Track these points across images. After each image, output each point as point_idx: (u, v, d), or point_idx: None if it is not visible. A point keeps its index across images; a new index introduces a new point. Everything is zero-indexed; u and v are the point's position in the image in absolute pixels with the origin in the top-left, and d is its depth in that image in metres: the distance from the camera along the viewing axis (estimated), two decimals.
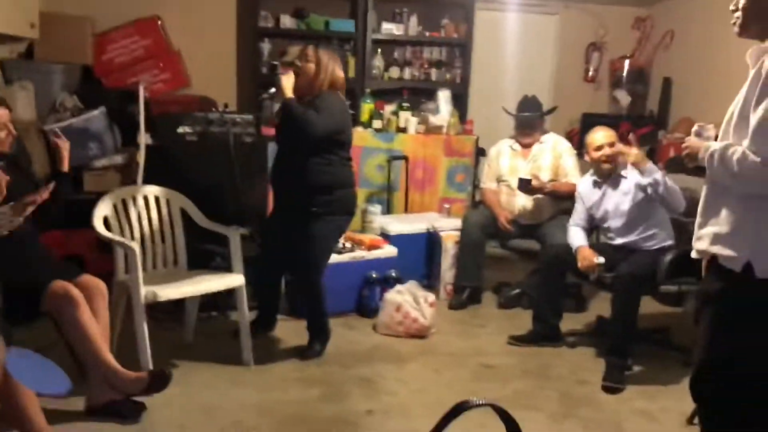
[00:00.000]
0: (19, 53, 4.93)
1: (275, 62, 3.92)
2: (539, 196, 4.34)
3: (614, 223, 3.72)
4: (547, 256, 3.94)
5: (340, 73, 3.54)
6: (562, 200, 4.35)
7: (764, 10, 1.91)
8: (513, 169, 4.48)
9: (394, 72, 5.63)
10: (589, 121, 6.01)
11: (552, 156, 4.44)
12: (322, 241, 3.50)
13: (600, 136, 3.72)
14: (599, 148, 3.69)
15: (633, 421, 3.07)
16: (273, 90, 3.61)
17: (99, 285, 2.86)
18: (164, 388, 2.79)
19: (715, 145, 1.96)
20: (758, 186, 1.85)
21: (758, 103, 1.83)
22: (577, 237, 3.76)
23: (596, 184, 3.79)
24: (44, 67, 4.85)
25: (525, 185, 4.24)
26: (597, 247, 3.78)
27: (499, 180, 4.55)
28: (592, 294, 4.65)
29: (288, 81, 3.40)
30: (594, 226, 3.92)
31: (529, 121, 4.47)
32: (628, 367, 3.51)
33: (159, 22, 5.40)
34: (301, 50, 3.56)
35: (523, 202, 4.41)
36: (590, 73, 6.34)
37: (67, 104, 4.81)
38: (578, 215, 3.87)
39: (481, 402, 0.94)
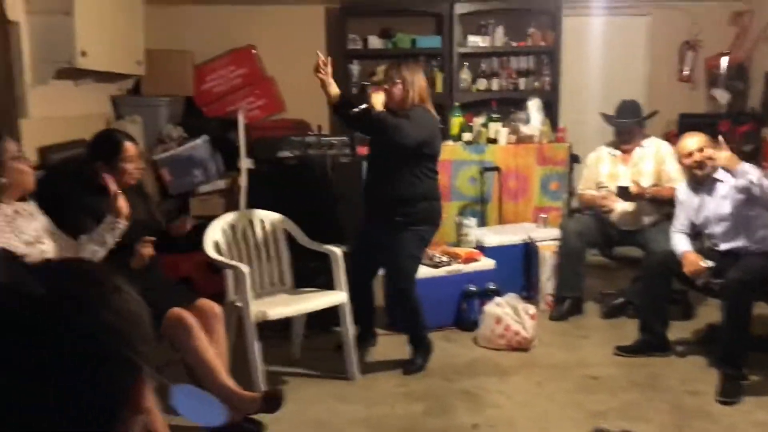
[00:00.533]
0: (128, 89, 5.26)
1: (365, 83, 4.01)
2: (638, 203, 4.24)
3: (716, 228, 3.59)
4: (650, 262, 3.85)
5: (425, 84, 3.60)
6: (664, 205, 4.23)
7: None
8: (613, 175, 4.37)
9: (482, 84, 5.65)
10: (687, 121, 5.83)
11: (654, 161, 4.32)
12: (407, 249, 3.57)
13: (689, 142, 3.62)
14: (689, 154, 3.59)
15: None
16: (364, 106, 3.68)
17: (214, 308, 3.01)
18: (279, 408, 2.88)
19: None
20: None
21: None
22: (681, 243, 3.66)
23: (694, 191, 3.68)
24: (151, 101, 5.17)
25: (623, 192, 4.16)
26: (703, 252, 3.66)
27: (598, 186, 4.46)
28: (698, 300, 4.49)
29: (378, 98, 3.48)
30: (697, 233, 3.80)
31: (628, 127, 4.37)
32: (744, 377, 3.37)
33: (253, 51, 5.64)
34: (386, 72, 3.63)
35: (624, 207, 4.31)
36: (685, 73, 6.14)
37: (173, 135, 5.10)
38: (680, 222, 3.76)
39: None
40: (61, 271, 0.85)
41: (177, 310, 2.86)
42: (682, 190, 3.80)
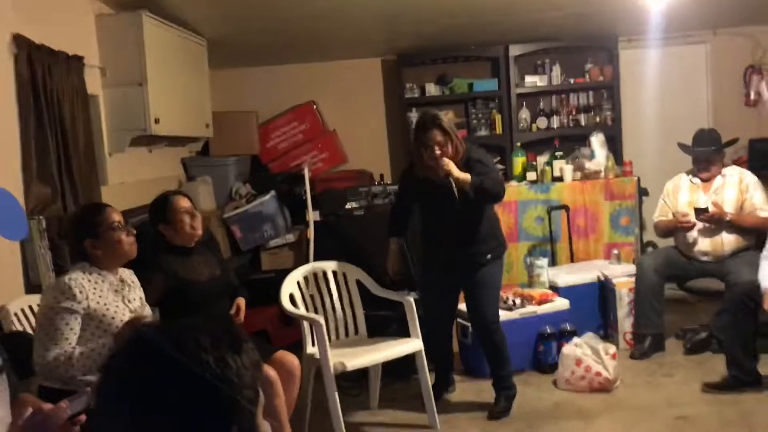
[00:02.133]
0: (197, 151, 5.46)
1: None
2: (719, 229, 4.11)
3: None
4: (733, 294, 3.71)
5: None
6: (745, 234, 4.10)
7: None
8: (692, 203, 4.23)
9: (542, 122, 5.64)
10: (758, 147, 5.68)
11: (737, 190, 4.19)
12: (495, 284, 3.61)
13: None
14: None
15: None
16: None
17: (294, 361, 3.04)
18: None
19: None
20: None
21: None
22: (766, 274, 3.51)
23: None
24: (219, 161, 5.35)
25: (701, 213, 4.05)
26: None
27: (675, 216, 4.34)
28: None
29: (454, 169, 3.34)
30: None
31: (707, 156, 4.27)
32: None
33: (314, 107, 5.80)
34: (433, 140, 3.41)
35: (703, 237, 4.18)
36: (752, 97, 5.99)
37: (242, 192, 5.25)
38: None
39: None
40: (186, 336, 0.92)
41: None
42: None
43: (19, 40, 3.16)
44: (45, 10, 3.46)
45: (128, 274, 2.69)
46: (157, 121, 4.10)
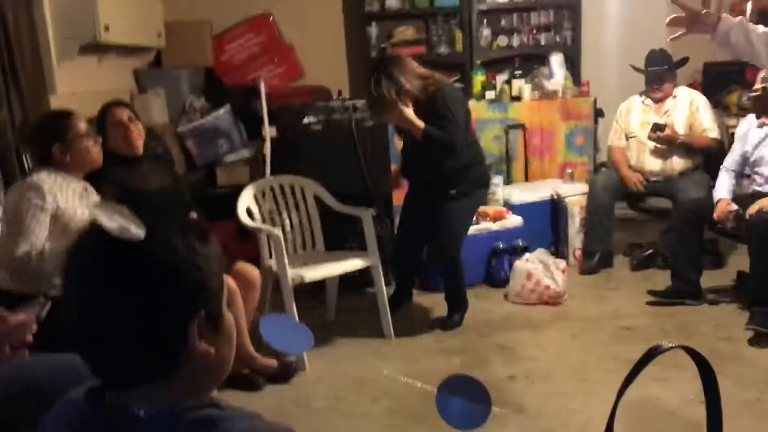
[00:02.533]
0: (149, 62, 5.28)
1: (384, 45, 3.89)
2: (669, 148, 4.22)
3: (765, 170, 3.59)
4: (681, 211, 3.85)
5: (415, 65, 3.49)
6: (694, 154, 4.21)
7: None
8: (644, 124, 4.34)
9: (503, 41, 5.58)
10: (712, 71, 5.74)
11: (688, 111, 4.29)
12: (461, 219, 3.63)
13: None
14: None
15: None
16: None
17: (254, 272, 3.09)
18: (291, 379, 3.11)
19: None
20: None
21: None
22: (722, 187, 3.66)
23: (761, 125, 3.65)
24: (172, 72, 5.18)
25: (658, 129, 4.14)
26: (736, 199, 3.65)
27: (628, 136, 4.44)
28: (729, 250, 4.49)
29: (409, 113, 3.37)
30: (744, 174, 3.78)
31: (659, 75, 4.33)
32: None
33: (270, 18, 5.62)
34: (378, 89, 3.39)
35: (653, 157, 4.29)
36: None
37: (196, 106, 5.13)
38: (733, 157, 3.75)
39: (672, 345, 0.98)
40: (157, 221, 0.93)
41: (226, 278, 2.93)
42: (745, 124, 3.77)
43: None
44: None
45: (87, 184, 2.71)
46: (106, 28, 3.96)
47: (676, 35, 2.26)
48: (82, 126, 2.65)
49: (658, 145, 4.25)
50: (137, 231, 0.88)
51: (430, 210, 3.60)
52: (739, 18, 2.23)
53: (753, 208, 3.43)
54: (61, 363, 1.80)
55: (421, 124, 3.38)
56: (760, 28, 2.17)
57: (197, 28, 5.37)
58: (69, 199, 2.55)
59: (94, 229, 0.92)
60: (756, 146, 3.64)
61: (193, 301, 0.92)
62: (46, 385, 1.76)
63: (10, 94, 3.33)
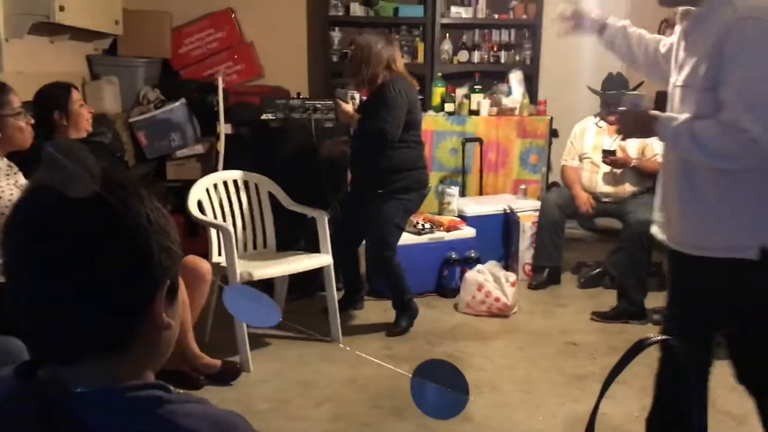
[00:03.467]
0: (104, 49, 5.13)
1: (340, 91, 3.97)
2: (621, 171, 4.29)
3: None
4: (631, 232, 3.91)
5: (394, 54, 3.60)
6: (645, 178, 4.29)
7: None
8: (597, 147, 4.42)
9: (463, 56, 5.63)
10: (664, 98, 5.90)
11: None
12: (389, 219, 3.61)
13: None
14: None
15: (726, 397, 3.02)
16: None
17: (204, 266, 3.00)
18: (234, 380, 3.04)
19: (676, 119, 1.82)
20: (741, 162, 1.73)
21: (722, 70, 1.72)
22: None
23: None
24: (128, 61, 5.04)
25: (609, 155, 4.21)
26: None
27: (581, 158, 4.51)
28: None
29: (348, 108, 3.64)
30: None
31: (615, 99, 4.41)
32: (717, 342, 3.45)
33: (233, 15, 5.54)
34: (350, 42, 3.67)
35: (605, 179, 4.36)
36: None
37: (150, 97, 4.99)
38: None
39: (660, 338, 0.97)
40: (113, 180, 0.85)
41: (193, 258, 2.87)
42: None
43: None
44: None
45: (10, 164, 2.59)
46: (62, 8, 3.80)
47: (565, 33, 2.29)
48: (17, 102, 2.55)
49: (614, 169, 4.31)
50: (89, 184, 0.81)
51: (363, 209, 3.66)
52: (622, 24, 2.23)
53: None
54: None
55: (355, 115, 3.59)
56: (641, 32, 2.18)
57: (157, 19, 5.25)
58: None
59: (40, 189, 0.85)
60: None
61: (162, 268, 0.86)
62: None
63: None
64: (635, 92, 2.18)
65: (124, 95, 4.93)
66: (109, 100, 4.72)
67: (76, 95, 3.06)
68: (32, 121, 2.63)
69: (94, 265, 0.81)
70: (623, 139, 2.13)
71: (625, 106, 2.07)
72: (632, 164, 4.23)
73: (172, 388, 0.89)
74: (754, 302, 1.84)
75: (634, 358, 0.98)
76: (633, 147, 4.35)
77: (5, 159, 2.54)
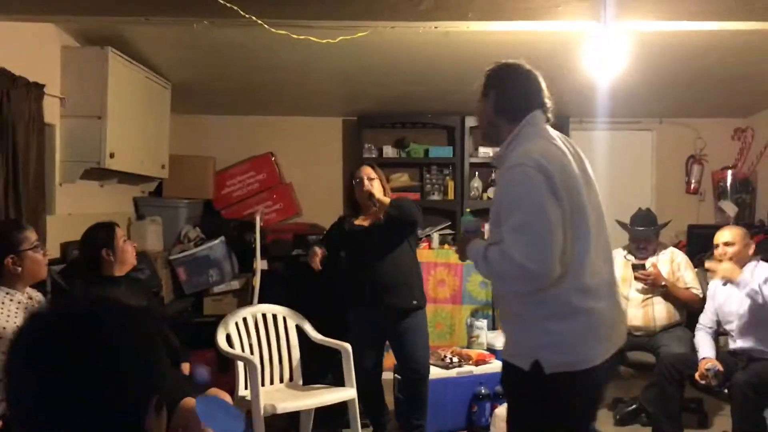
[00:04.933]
0: (150, 191, 5.46)
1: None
2: (651, 299, 4.26)
3: (734, 325, 3.63)
4: (663, 366, 3.82)
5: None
6: (677, 310, 4.24)
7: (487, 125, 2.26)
8: (626, 279, 4.40)
9: (492, 192, 5.81)
10: (696, 232, 5.91)
11: (669, 267, 4.37)
12: (425, 332, 3.70)
13: (721, 234, 3.82)
14: (717, 246, 3.72)
15: None
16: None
17: (226, 398, 3.02)
18: None
19: (481, 244, 2.12)
20: (517, 284, 2.03)
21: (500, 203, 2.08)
22: (703, 345, 3.69)
23: (723, 284, 3.75)
24: (172, 202, 5.35)
25: (639, 270, 4.20)
26: (719, 356, 3.66)
27: None
28: (715, 409, 4.40)
29: (378, 192, 3.72)
30: (720, 331, 3.83)
31: (646, 235, 4.46)
32: None
33: (272, 158, 5.88)
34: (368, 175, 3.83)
35: (636, 312, 4.32)
36: (692, 185, 6.29)
37: (191, 235, 5.25)
38: (707, 316, 3.82)
39: None
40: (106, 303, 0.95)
41: (191, 400, 2.87)
42: (713, 285, 3.85)
43: None
44: (10, 36, 3.51)
45: (35, 293, 2.71)
46: (112, 155, 4.12)
47: None
48: (34, 237, 2.69)
49: (645, 287, 4.27)
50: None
51: (390, 330, 3.65)
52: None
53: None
54: None
55: (387, 198, 3.68)
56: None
57: (201, 163, 5.61)
58: (12, 316, 2.51)
59: (37, 317, 0.95)
60: (723, 304, 3.72)
61: (151, 383, 0.94)
62: None
63: (9, 210, 3.42)
64: (473, 218, 2.38)
65: (166, 234, 5.19)
66: (152, 239, 4.97)
67: (120, 232, 3.23)
68: (47, 253, 2.79)
69: (87, 389, 0.90)
70: (460, 258, 2.35)
71: (463, 230, 2.32)
72: (663, 282, 4.20)
73: None
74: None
75: None
76: (663, 274, 4.33)
77: (27, 292, 2.65)
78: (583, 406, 2.13)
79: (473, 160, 5.78)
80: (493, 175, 5.90)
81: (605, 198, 6.12)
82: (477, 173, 5.82)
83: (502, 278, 2.09)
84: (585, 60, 4.31)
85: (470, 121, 5.74)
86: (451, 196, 5.77)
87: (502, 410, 3.91)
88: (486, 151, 5.83)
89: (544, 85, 2.22)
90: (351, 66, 4.65)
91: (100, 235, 3.19)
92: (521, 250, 1.94)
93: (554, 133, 2.19)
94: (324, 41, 3.55)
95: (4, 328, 2.44)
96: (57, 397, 0.89)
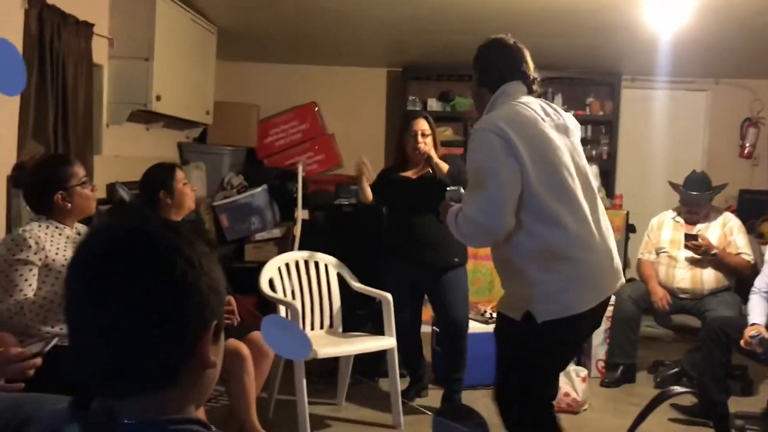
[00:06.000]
0: (194, 137, 5.48)
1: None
2: (702, 264, 4.15)
3: None
4: (709, 330, 3.73)
5: None
6: (726, 275, 4.13)
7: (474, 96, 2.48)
8: (675, 241, 4.30)
9: None
10: (748, 198, 5.75)
11: (720, 232, 4.24)
12: (464, 289, 3.67)
13: None
14: None
15: None
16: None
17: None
18: None
19: (454, 210, 2.28)
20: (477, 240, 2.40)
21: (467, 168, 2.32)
22: (755, 310, 3.57)
23: None
24: (215, 149, 5.36)
25: (691, 239, 4.09)
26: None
27: (658, 251, 4.39)
28: (760, 377, 4.31)
29: (434, 154, 3.61)
30: None
31: (698, 200, 4.31)
32: None
33: (316, 108, 5.83)
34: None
35: (684, 274, 4.22)
36: (747, 149, 6.08)
37: (234, 183, 5.26)
38: (762, 280, 3.68)
39: (684, 390, 0.94)
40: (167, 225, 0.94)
41: (235, 341, 2.91)
42: None
43: None
44: None
45: (83, 228, 2.69)
46: (158, 98, 4.13)
47: None
48: (82, 172, 2.65)
49: (695, 255, 4.16)
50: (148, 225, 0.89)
51: (429, 285, 3.64)
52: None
53: None
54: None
55: (445, 165, 3.53)
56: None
57: (245, 111, 5.59)
58: (61, 248, 2.51)
59: (101, 231, 0.93)
60: None
61: (209, 309, 0.92)
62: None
63: (58, 146, 3.45)
64: (455, 187, 2.47)
65: (209, 180, 5.21)
66: (196, 185, 4.98)
67: (180, 175, 3.13)
68: (96, 189, 2.75)
69: (147, 304, 0.88)
70: (440, 220, 2.49)
71: (446, 198, 2.44)
72: (713, 251, 4.09)
73: (213, 428, 0.93)
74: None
75: (656, 408, 0.95)
76: (714, 239, 4.21)
77: (76, 227, 2.64)
78: (568, 351, 2.41)
79: None
80: None
81: (655, 158, 6.00)
82: None
83: (465, 237, 2.28)
84: (645, 13, 4.15)
85: None
86: None
87: None
88: None
89: (528, 57, 2.36)
90: (399, 13, 4.55)
91: (159, 175, 3.11)
92: (474, 207, 2.16)
93: (534, 101, 2.31)
94: None
95: (54, 260, 2.47)
96: (111, 312, 0.88)
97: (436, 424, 0.95)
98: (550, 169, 2.18)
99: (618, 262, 2.39)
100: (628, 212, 5.18)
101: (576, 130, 2.39)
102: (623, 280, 2.46)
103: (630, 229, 5.24)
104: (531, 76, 2.35)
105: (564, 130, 2.31)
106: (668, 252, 4.32)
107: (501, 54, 2.36)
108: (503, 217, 2.13)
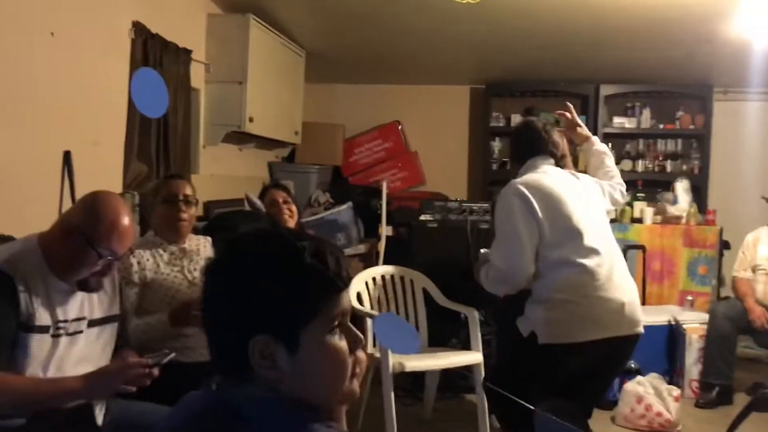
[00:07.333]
0: (283, 157, 5.67)
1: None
2: None
3: None
4: None
5: None
6: None
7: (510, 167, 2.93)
8: None
9: (627, 164, 5.59)
10: None
11: None
12: None
13: None
14: None
15: None
16: None
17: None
18: None
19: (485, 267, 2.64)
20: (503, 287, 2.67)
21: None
22: None
23: None
24: (303, 168, 5.54)
25: None
26: None
27: (754, 269, 4.24)
28: None
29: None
30: None
31: None
32: None
33: (399, 127, 5.93)
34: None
35: None
36: None
37: (321, 200, 5.41)
38: None
39: None
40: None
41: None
42: None
43: (138, 27, 3.42)
44: (163, 3, 3.72)
45: (197, 243, 2.66)
46: (251, 119, 4.31)
47: None
48: (173, 190, 2.60)
49: None
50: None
51: None
52: None
53: None
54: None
55: None
56: None
57: (331, 130, 5.75)
58: (161, 267, 2.52)
59: (237, 239, 1.03)
60: None
61: (321, 302, 1.00)
62: None
63: (160, 166, 3.66)
64: (485, 250, 2.77)
65: (297, 197, 5.35)
66: None
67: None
68: (189, 210, 2.61)
69: (267, 298, 0.98)
70: (474, 278, 2.80)
71: (480, 258, 2.78)
72: None
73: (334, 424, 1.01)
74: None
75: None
76: None
77: (183, 245, 2.60)
78: (564, 378, 2.55)
79: (607, 130, 5.58)
80: (627, 146, 5.69)
81: (750, 172, 5.78)
82: (611, 144, 5.58)
83: (491, 283, 2.62)
84: (737, 23, 4.05)
85: (605, 90, 5.54)
86: (582, 167, 5.59)
87: (631, 385, 3.80)
88: (621, 122, 5.62)
89: (555, 137, 2.73)
90: (482, 32, 4.59)
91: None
92: (498, 256, 2.55)
93: (555, 169, 2.66)
94: (464, 1, 3.52)
95: (152, 278, 2.49)
96: (239, 300, 0.99)
97: (540, 420, 0.97)
98: (563, 220, 2.51)
99: (633, 310, 2.63)
100: (722, 228, 5.00)
101: (594, 187, 2.74)
102: (641, 328, 2.71)
103: (724, 245, 5.06)
104: (555, 152, 2.70)
105: (581, 190, 2.64)
106: (765, 269, 4.16)
107: (527, 135, 2.76)
108: (523, 264, 2.50)
